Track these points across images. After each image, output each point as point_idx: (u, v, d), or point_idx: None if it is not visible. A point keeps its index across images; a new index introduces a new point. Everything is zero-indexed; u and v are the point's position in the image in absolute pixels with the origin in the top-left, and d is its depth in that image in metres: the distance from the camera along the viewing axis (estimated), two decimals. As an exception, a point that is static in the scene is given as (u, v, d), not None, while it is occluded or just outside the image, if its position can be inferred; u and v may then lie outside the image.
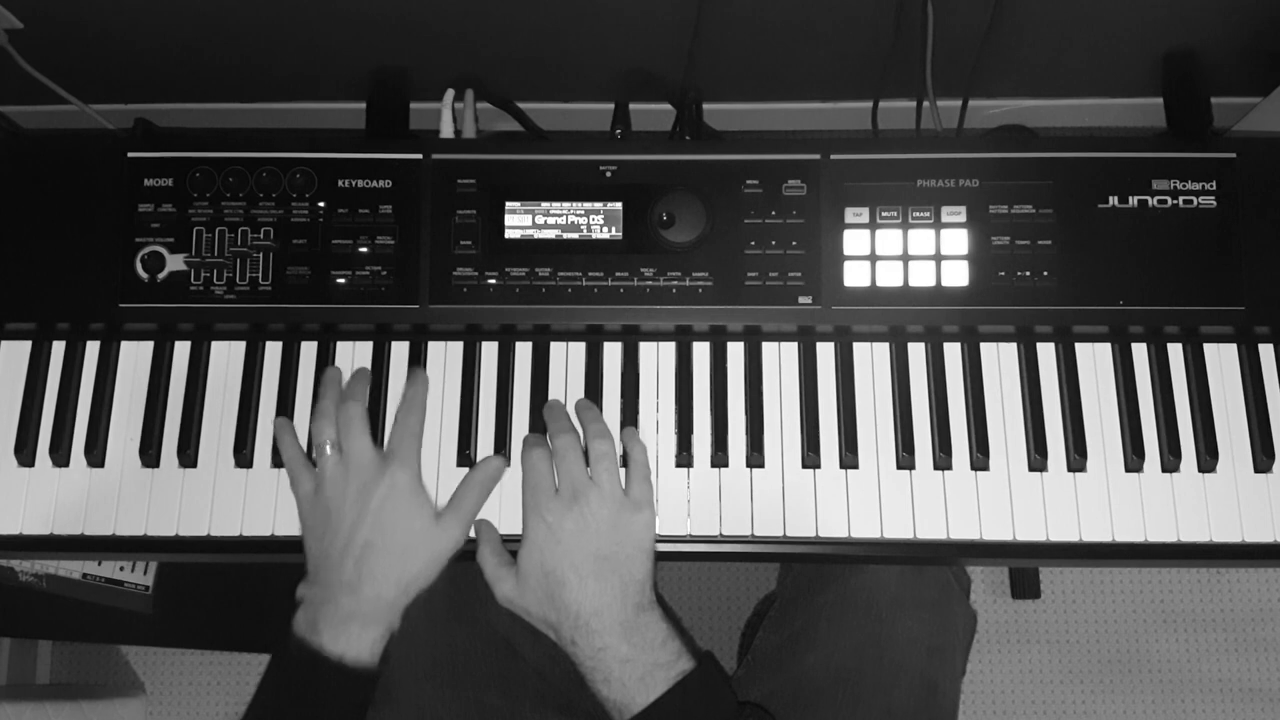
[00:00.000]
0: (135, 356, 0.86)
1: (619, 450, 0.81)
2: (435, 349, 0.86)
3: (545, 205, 0.85)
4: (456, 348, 0.86)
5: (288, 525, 0.82)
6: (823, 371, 0.85)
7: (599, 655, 0.73)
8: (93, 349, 0.86)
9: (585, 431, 0.80)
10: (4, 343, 0.86)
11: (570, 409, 0.83)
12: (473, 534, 0.80)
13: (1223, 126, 1.27)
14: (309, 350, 0.86)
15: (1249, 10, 1.07)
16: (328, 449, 0.76)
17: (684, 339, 0.86)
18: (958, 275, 0.84)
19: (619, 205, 0.85)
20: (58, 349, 0.86)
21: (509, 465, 0.82)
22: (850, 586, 0.87)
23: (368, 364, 0.85)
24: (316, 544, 0.76)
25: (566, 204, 0.85)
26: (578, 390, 0.85)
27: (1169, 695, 1.48)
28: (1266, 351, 0.85)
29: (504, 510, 0.82)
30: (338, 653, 0.72)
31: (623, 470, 0.80)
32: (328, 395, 0.80)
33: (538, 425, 0.84)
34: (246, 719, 0.74)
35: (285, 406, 0.84)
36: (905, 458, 0.83)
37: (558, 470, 0.78)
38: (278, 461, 0.83)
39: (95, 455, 0.84)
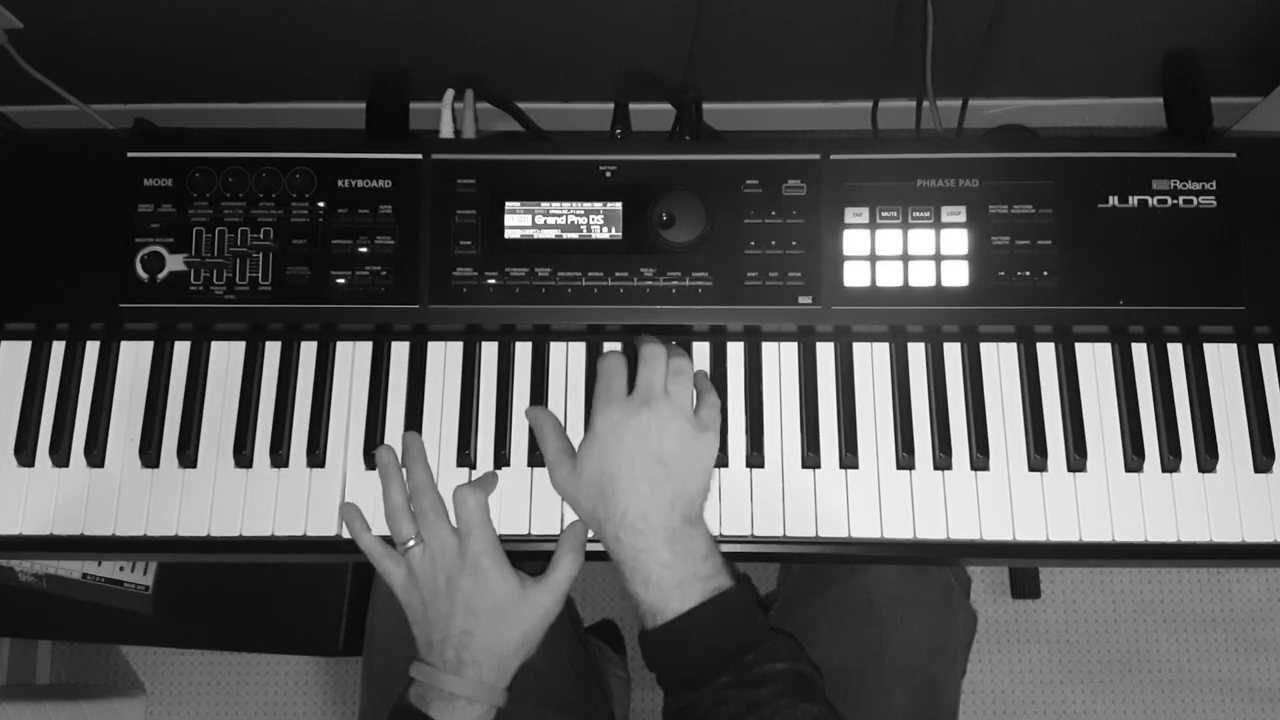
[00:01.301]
0: (135, 356, 0.86)
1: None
2: (435, 349, 0.86)
3: (545, 205, 0.85)
4: (456, 348, 0.86)
5: (287, 525, 0.82)
6: (823, 371, 0.85)
7: (639, 556, 0.73)
8: (93, 349, 0.86)
9: (669, 352, 0.80)
10: (4, 343, 0.86)
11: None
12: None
13: (1223, 126, 1.27)
14: (309, 350, 0.86)
15: (1249, 10, 1.07)
16: (411, 543, 0.78)
17: (684, 339, 0.85)
18: (958, 275, 0.84)
19: (619, 205, 0.85)
20: (58, 349, 0.86)
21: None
22: (851, 586, 0.87)
23: (368, 364, 0.85)
24: (420, 630, 0.78)
25: (566, 204, 0.85)
26: (578, 390, 0.85)
27: (1169, 695, 1.48)
28: (1266, 351, 0.85)
29: (503, 511, 0.82)
30: None
31: None
32: (394, 488, 0.80)
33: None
34: None
35: (285, 406, 0.84)
36: (905, 458, 0.82)
37: (640, 373, 0.78)
38: (277, 462, 0.83)
39: (95, 455, 0.83)
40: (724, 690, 0.71)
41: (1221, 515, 0.81)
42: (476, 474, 0.83)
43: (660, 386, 0.77)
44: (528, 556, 0.81)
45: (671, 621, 0.72)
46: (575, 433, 0.83)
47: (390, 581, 0.79)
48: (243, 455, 0.83)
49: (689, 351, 0.85)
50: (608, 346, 0.86)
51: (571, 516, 0.81)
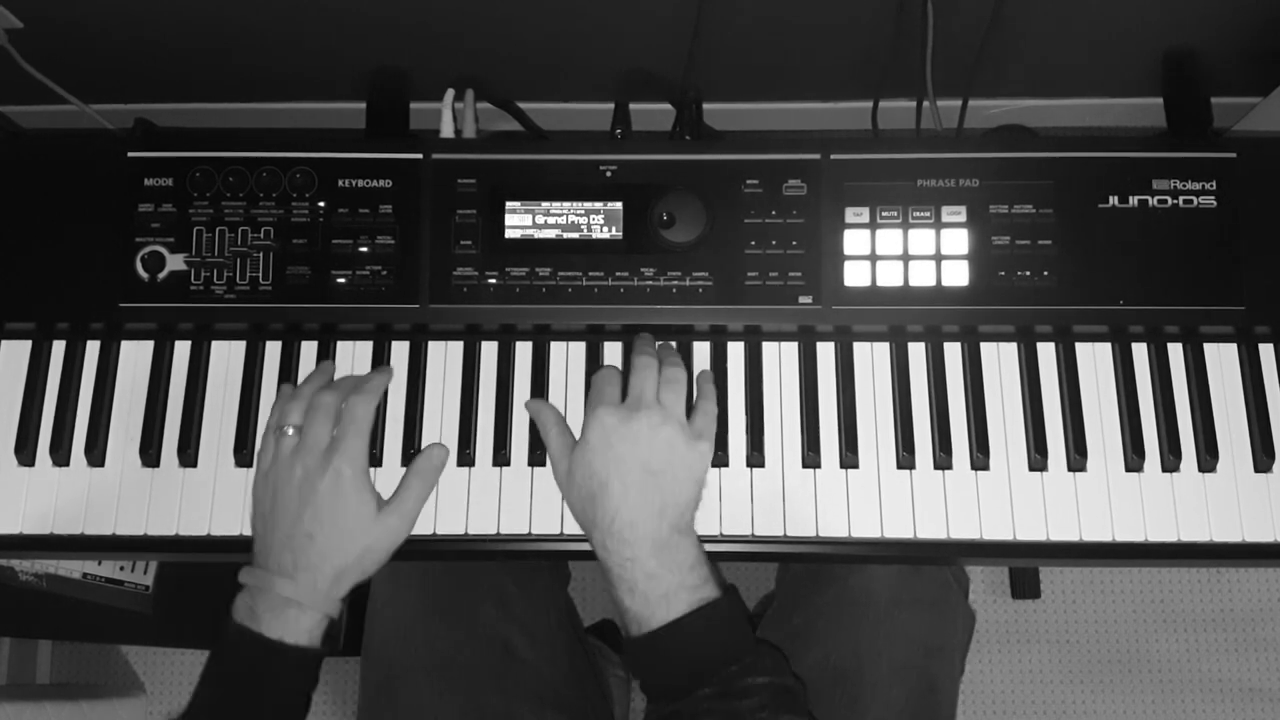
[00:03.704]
0: (135, 356, 0.86)
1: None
2: (435, 349, 0.86)
3: (545, 205, 0.85)
4: (456, 348, 0.86)
5: (288, 525, 0.82)
6: (823, 371, 0.85)
7: (626, 565, 0.73)
8: (93, 349, 0.86)
9: (663, 362, 0.80)
10: (4, 343, 0.86)
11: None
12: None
13: (1223, 126, 1.27)
14: (309, 350, 0.86)
15: (1249, 10, 1.07)
16: (289, 430, 0.78)
17: (684, 339, 0.86)
18: (958, 275, 0.84)
19: (619, 205, 0.85)
20: (58, 349, 0.86)
21: (449, 453, 0.83)
22: (849, 585, 0.87)
23: (368, 364, 0.85)
24: (261, 525, 0.77)
25: (566, 204, 0.85)
26: (578, 390, 0.85)
27: (1169, 695, 1.48)
28: (1266, 351, 0.85)
29: (503, 511, 0.82)
30: (276, 635, 0.73)
31: None
32: (311, 382, 0.81)
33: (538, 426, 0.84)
34: (189, 714, 0.74)
35: (285, 406, 0.84)
36: (905, 457, 0.83)
37: (631, 382, 0.79)
38: (278, 461, 0.83)
39: (95, 455, 0.84)
40: (706, 701, 0.70)
41: (1222, 515, 0.81)
42: (477, 472, 0.83)
43: (652, 394, 0.77)
44: (527, 556, 0.81)
45: (656, 631, 0.72)
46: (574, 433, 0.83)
47: (258, 460, 0.79)
48: (243, 454, 0.83)
49: (689, 351, 0.85)
50: (608, 346, 0.86)
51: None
